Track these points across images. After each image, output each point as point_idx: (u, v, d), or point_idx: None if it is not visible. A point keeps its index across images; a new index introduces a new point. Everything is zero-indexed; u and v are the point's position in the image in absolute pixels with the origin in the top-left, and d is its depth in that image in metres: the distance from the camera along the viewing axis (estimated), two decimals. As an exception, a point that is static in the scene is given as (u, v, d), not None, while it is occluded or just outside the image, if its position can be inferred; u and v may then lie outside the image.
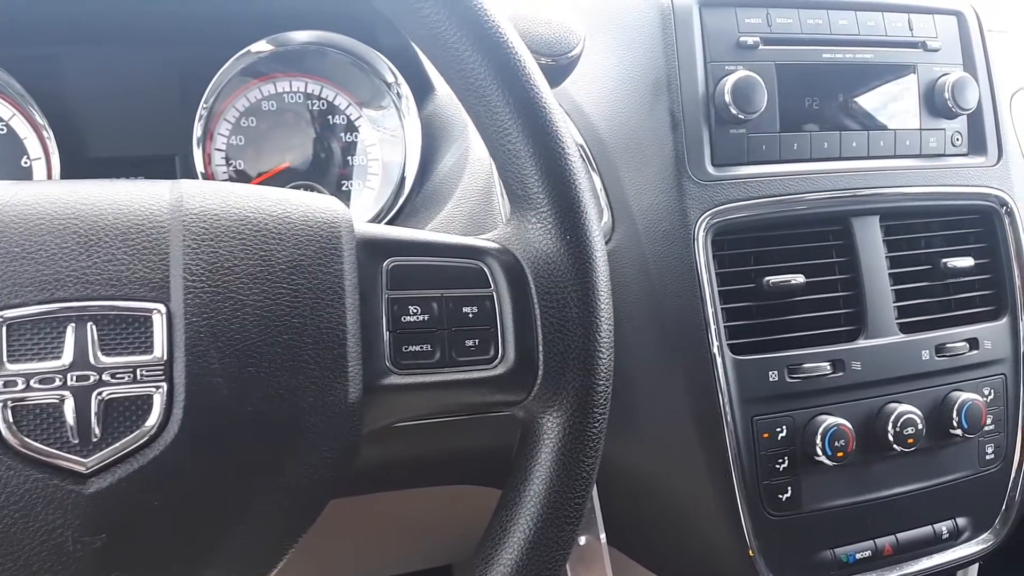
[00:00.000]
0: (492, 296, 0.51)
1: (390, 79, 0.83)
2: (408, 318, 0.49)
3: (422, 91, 0.86)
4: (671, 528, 0.84)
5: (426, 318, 0.50)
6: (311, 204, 0.49)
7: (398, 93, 0.84)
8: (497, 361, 0.51)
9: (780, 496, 0.80)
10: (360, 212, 0.86)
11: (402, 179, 0.85)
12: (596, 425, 0.52)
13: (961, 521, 0.89)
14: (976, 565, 1.04)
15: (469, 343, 0.50)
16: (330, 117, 0.87)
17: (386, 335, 0.49)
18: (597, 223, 0.53)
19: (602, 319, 0.52)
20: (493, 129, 0.52)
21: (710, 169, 0.79)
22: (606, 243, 0.79)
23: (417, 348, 0.49)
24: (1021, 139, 1.05)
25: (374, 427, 0.49)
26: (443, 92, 0.86)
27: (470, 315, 0.51)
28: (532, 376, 0.51)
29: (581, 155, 0.82)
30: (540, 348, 0.51)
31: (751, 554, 0.79)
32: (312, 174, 0.86)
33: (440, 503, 0.97)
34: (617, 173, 0.81)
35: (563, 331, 0.51)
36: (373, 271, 0.49)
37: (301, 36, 0.82)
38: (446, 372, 0.50)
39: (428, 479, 0.87)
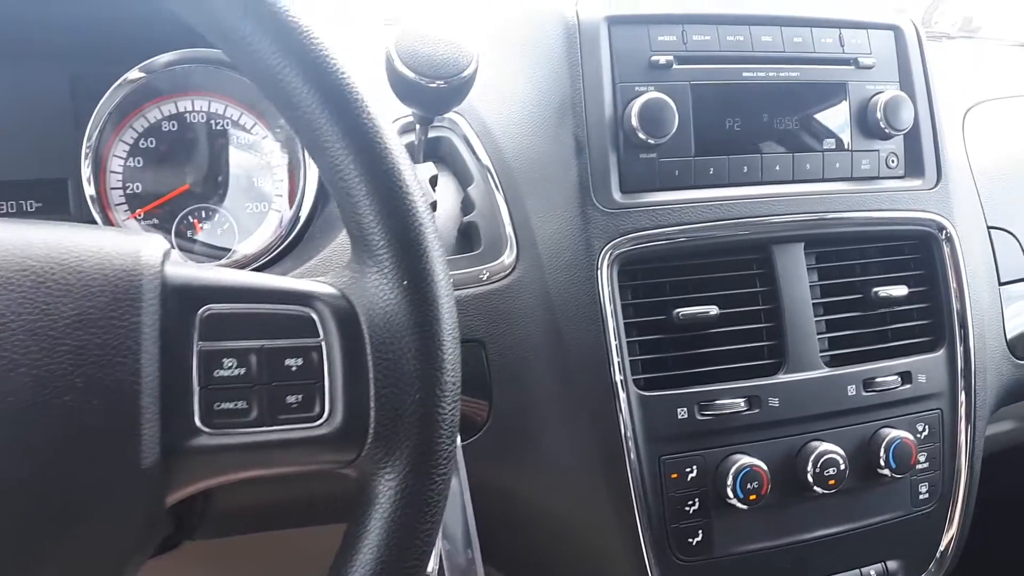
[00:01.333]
0: (320, 347, 0.48)
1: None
2: (222, 372, 0.46)
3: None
4: (576, 568, 0.80)
5: (242, 372, 0.46)
6: (111, 250, 0.45)
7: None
8: (323, 419, 0.47)
9: (690, 540, 0.76)
10: (264, 236, 0.83)
11: (300, 203, 0.81)
12: (434, 489, 0.49)
13: (893, 565, 0.85)
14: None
15: (291, 399, 0.47)
16: (235, 137, 0.84)
17: (196, 391, 0.45)
18: (442, 267, 0.50)
19: (444, 373, 0.49)
20: (326, 164, 0.49)
21: (617, 196, 0.75)
22: (510, 272, 0.76)
23: (231, 405, 0.46)
24: (973, 158, 1.00)
25: (184, 491, 0.46)
26: None
27: (293, 368, 0.47)
28: (363, 435, 0.48)
29: (491, 180, 0.79)
30: (372, 404, 0.47)
31: (655, 602, 0.76)
32: (213, 197, 0.83)
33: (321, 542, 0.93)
34: (522, 199, 0.77)
35: (398, 386, 0.47)
36: (184, 321, 0.46)
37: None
38: (263, 432, 0.46)
39: (293, 521, 0.83)
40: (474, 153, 0.80)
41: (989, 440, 0.94)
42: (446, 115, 0.82)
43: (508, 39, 0.83)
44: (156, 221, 0.81)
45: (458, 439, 0.65)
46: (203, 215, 0.82)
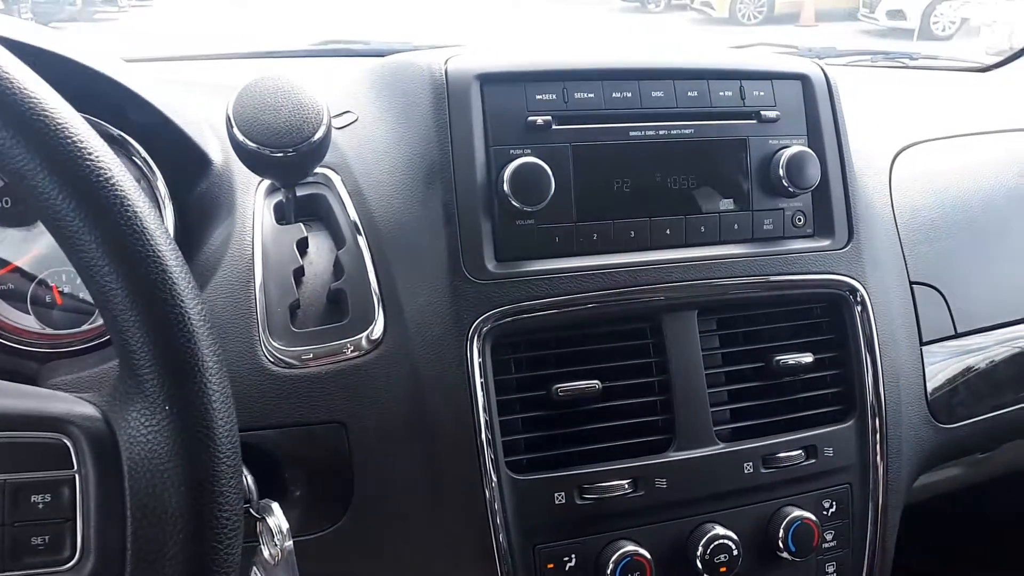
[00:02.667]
0: (73, 479, 0.43)
1: (139, 161, 0.75)
2: None
3: (196, 165, 0.78)
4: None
5: None
6: None
7: (147, 174, 0.75)
8: (72, 562, 0.43)
9: (570, 636, 0.71)
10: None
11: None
12: None
13: (799, 651, 0.80)
14: None
15: (36, 540, 0.42)
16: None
17: None
18: (219, 392, 0.45)
19: (217, 508, 0.44)
20: (81, 266, 0.44)
21: (491, 266, 0.70)
22: (376, 346, 0.71)
23: None
24: (899, 208, 0.95)
25: None
26: (220, 162, 0.77)
27: (40, 505, 0.43)
28: None
29: (360, 245, 0.74)
30: (129, 545, 0.43)
31: None
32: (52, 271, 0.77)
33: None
34: (390, 268, 0.72)
35: (158, 526, 0.43)
36: None
37: None
38: None
39: None
40: (347, 214, 0.75)
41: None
42: (320, 171, 0.78)
43: (384, 93, 0.78)
44: (9, 287, 0.76)
45: (289, 543, 0.61)
46: (63, 278, 0.78)
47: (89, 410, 0.44)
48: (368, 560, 0.71)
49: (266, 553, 0.62)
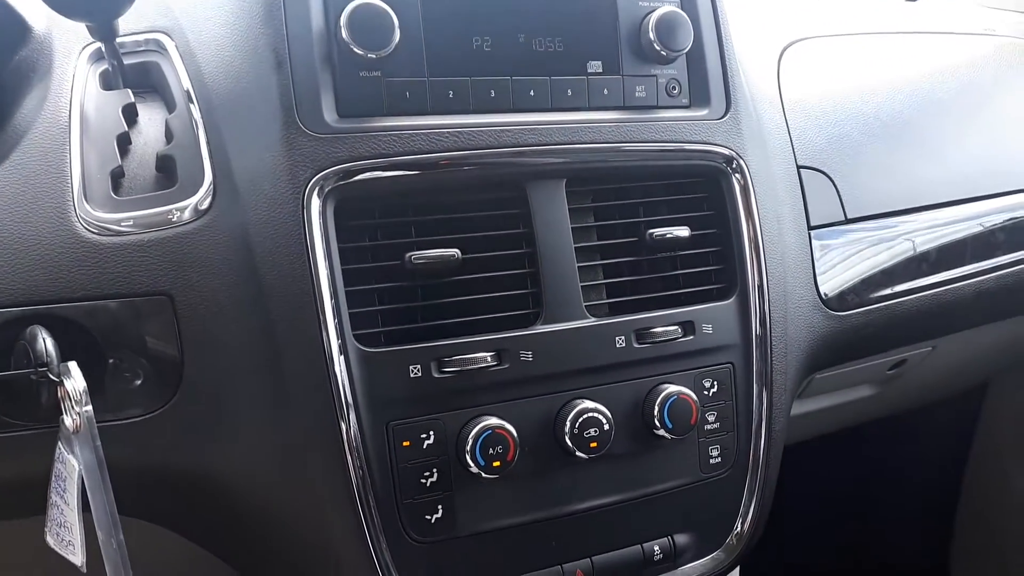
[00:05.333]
0: None
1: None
2: None
3: (15, 32, 0.70)
4: (297, 559, 0.69)
5: None
6: None
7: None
8: None
9: (428, 517, 0.66)
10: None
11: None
12: None
13: (681, 539, 0.76)
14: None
15: None
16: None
17: None
18: None
19: None
20: None
21: (330, 119, 0.64)
22: (205, 212, 0.64)
23: None
24: (787, 94, 0.92)
25: None
26: (42, 29, 0.70)
27: None
28: None
29: (191, 107, 0.68)
30: None
31: (386, 590, 0.65)
32: None
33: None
34: (222, 132, 0.66)
35: None
36: None
37: None
38: None
39: None
40: (179, 80, 0.69)
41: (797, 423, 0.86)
42: (152, 36, 0.71)
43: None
44: None
45: (88, 408, 0.55)
46: None
47: None
48: (200, 446, 0.65)
49: (68, 422, 0.55)
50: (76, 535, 0.57)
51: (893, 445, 1.66)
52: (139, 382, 0.63)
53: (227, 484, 0.66)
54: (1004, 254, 1.00)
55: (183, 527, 0.76)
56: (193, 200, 0.64)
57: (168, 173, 0.67)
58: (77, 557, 0.57)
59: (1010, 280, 1.01)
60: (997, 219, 1.00)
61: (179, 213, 0.64)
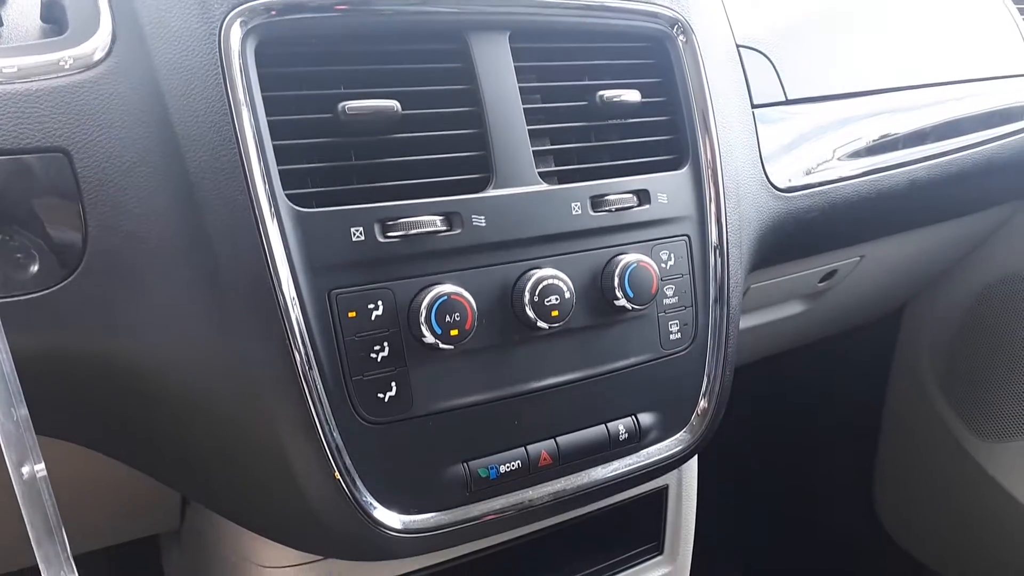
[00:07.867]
0: None
1: None
2: None
3: None
4: (234, 461, 0.62)
5: None
6: None
7: None
8: None
9: (380, 395, 0.60)
10: None
11: None
12: None
13: (646, 418, 0.72)
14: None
15: None
16: None
17: None
18: None
19: None
20: None
21: None
22: (104, 57, 0.56)
23: None
24: (722, -23, 0.90)
25: None
26: None
27: None
28: None
29: None
30: None
31: (337, 476, 0.58)
32: None
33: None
34: (121, -39, 0.57)
35: None
36: None
37: None
38: None
39: None
40: None
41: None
42: None
43: None
44: None
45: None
46: None
47: None
48: (111, 326, 0.56)
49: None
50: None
51: (820, 370, 1.69)
52: (35, 252, 0.54)
53: (148, 373, 0.57)
54: (933, 142, 1.01)
55: (107, 443, 0.67)
56: (89, 45, 0.56)
57: (56, 23, 0.58)
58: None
59: (938, 171, 1.03)
60: (930, 110, 1.01)
61: (72, 60, 0.55)
